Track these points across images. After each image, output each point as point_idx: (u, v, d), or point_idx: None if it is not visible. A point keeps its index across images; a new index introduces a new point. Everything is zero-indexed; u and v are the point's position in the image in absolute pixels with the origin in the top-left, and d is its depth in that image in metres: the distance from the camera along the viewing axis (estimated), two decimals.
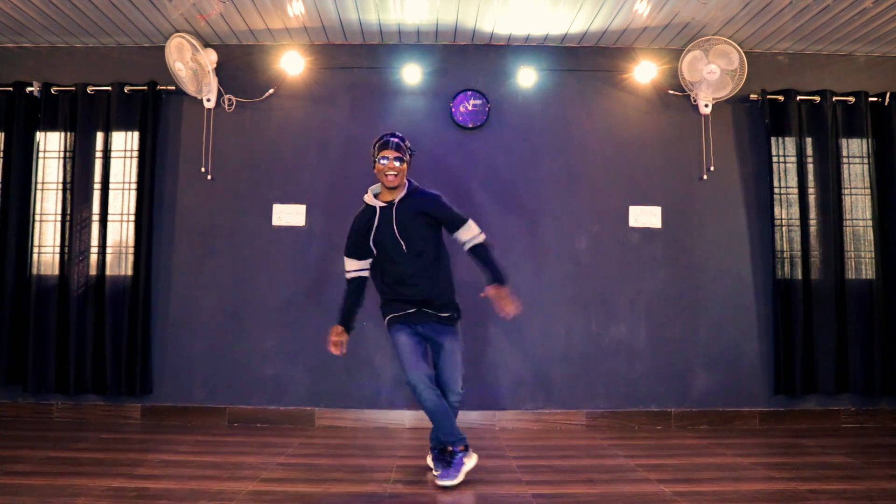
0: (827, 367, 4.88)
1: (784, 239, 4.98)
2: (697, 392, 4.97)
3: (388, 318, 3.59)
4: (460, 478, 3.36)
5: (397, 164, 3.44)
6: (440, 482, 3.34)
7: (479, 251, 3.55)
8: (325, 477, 3.48)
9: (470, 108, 5.05)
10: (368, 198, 3.59)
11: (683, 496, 3.14)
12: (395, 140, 3.49)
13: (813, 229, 4.97)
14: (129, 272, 4.90)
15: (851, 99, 5.03)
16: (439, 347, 3.56)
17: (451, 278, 3.67)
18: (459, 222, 3.55)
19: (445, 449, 3.46)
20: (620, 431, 4.79)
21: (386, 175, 3.45)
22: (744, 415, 4.95)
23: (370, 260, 3.63)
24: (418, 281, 3.51)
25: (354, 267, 3.66)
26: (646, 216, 5.05)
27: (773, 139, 5.04)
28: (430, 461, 3.64)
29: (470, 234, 3.54)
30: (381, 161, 3.45)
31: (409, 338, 3.49)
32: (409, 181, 3.59)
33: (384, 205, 3.51)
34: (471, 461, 3.47)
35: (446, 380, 3.52)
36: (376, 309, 4.84)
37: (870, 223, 5.01)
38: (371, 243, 3.52)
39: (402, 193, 3.52)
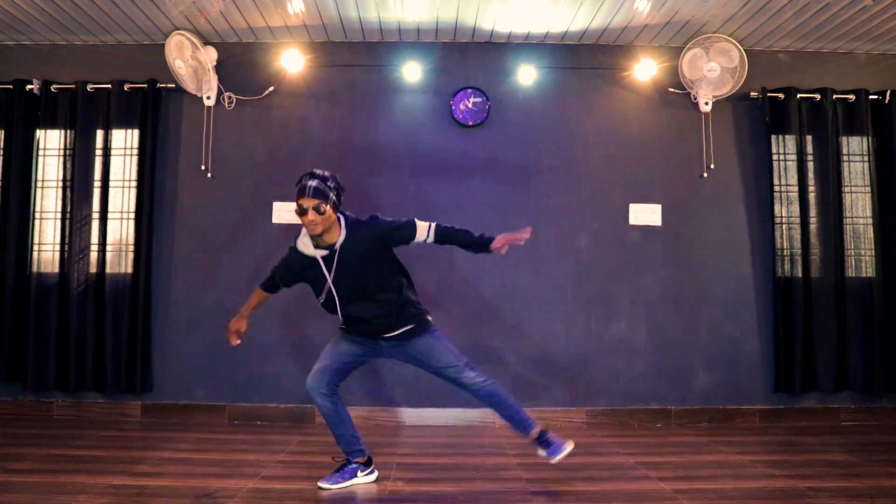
0: (827, 364, 4.88)
1: (784, 237, 4.98)
2: (697, 390, 4.97)
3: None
4: (342, 485, 3.29)
5: (317, 215, 3.08)
6: (320, 483, 3.30)
7: (443, 236, 3.24)
8: (324, 474, 3.47)
9: (470, 105, 5.05)
10: (303, 245, 3.25)
11: (683, 494, 3.15)
12: (313, 184, 3.09)
13: (813, 227, 4.97)
14: (130, 270, 4.90)
15: (852, 97, 5.03)
16: (414, 360, 3.38)
17: (413, 293, 3.39)
18: (410, 231, 3.22)
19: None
20: (620, 429, 4.79)
21: (308, 226, 3.13)
22: (744, 412, 4.95)
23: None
24: (383, 319, 3.28)
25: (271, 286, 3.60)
26: (646, 214, 5.05)
27: (773, 137, 5.04)
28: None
29: (423, 232, 3.22)
30: (300, 211, 3.11)
31: (341, 346, 3.38)
32: (342, 217, 3.24)
33: (325, 252, 3.20)
34: (367, 478, 3.38)
35: (447, 376, 3.34)
36: None
37: (870, 221, 5.01)
38: (324, 293, 3.26)
39: (340, 237, 3.19)
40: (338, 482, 3.29)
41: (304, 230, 3.24)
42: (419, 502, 3.05)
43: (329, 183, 3.13)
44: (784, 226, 4.98)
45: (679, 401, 4.96)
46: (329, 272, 3.20)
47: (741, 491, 3.22)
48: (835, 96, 5.02)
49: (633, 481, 3.39)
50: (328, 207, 3.09)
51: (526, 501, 3.06)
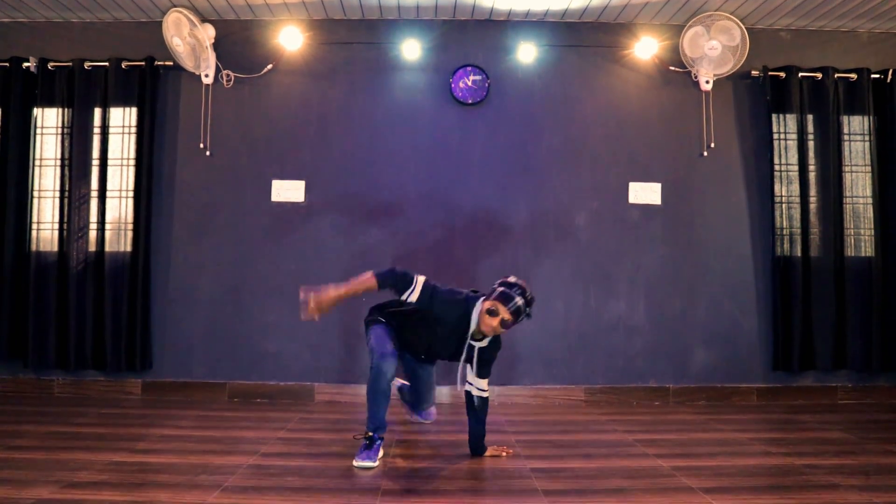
0: (825, 343, 4.90)
1: (784, 216, 4.98)
2: (696, 368, 4.99)
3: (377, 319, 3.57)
4: (376, 462, 3.28)
5: (500, 327, 3.17)
6: (357, 462, 3.25)
7: (478, 402, 3.40)
8: (324, 451, 3.51)
9: (470, 83, 5.02)
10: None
11: (681, 471, 3.17)
12: (520, 303, 3.15)
13: (813, 206, 4.96)
14: (129, 248, 4.90)
15: (853, 76, 5.01)
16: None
17: None
18: (485, 373, 3.39)
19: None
20: (619, 407, 4.82)
21: (486, 325, 3.18)
22: (742, 391, 4.98)
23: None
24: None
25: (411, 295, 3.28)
26: (646, 193, 5.04)
27: (774, 116, 5.01)
28: None
29: (482, 385, 3.38)
30: (491, 311, 3.15)
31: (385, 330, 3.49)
32: None
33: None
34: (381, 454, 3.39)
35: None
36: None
37: (870, 200, 5.00)
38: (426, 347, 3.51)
39: (485, 343, 3.36)
40: (374, 458, 3.27)
41: (480, 308, 3.23)
42: (417, 478, 3.07)
43: (528, 309, 3.21)
44: (784, 205, 4.98)
45: (677, 379, 4.98)
46: (461, 353, 3.38)
47: (738, 468, 3.24)
48: (836, 75, 4.99)
49: (632, 458, 3.41)
50: (511, 326, 3.21)
51: (524, 478, 3.08)
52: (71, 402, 4.73)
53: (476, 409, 3.41)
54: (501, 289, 3.19)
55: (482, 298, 3.25)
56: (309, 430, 4.03)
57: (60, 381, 4.95)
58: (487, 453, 3.45)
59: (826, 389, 4.99)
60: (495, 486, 2.98)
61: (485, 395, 3.41)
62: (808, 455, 3.46)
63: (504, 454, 3.46)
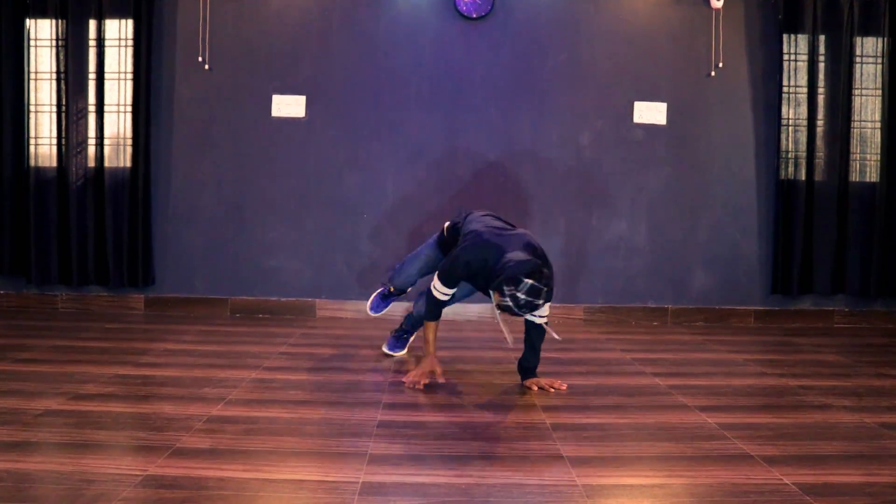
0: (824, 268, 4.91)
1: (790, 139, 4.92)
2: (695, 290, 5.02)
3: None
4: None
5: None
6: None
7: (529, 327, 3.32)
8: (326, 366, 3.56)
9: None
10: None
11: (677, 389, 3.22)
12: (522, 299, 2.79)
13: (820, 130, 4.89)
14: (128, 164, 4.86)
15: None
16: None
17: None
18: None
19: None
20: (617, 326, 4.87)
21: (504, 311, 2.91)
22: (739, 313, 5.02)
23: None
24: None
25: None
26: (651, 112, 4.96)
27: (785, 36, 4.89)
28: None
29: (540, 311, 3.12)
30: (502, 307, 2.89)
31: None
32: None
33: None
34: None
35: None
36: (374, 204, 4.88)
37: (878, 125, 4.92)
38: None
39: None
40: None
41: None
42: (417, 392, 3.12)
43: (545, 289, 2.86)
44: (790, 128, 4.91)
45: (676, 300, 5.02)
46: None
47: (733, 388, 3.29)
48: None
49: (629, 377, 3.47)
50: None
51: (523, 394, 3.14)
52: (75, 316, 4.78)
53: (529, 336, 3.29)
54: (511, 273, 2.79)
55: (501, 278, 2.83)
56: (311, 345, 4.08)
57: (64, 297, 4.99)
58: (528, 382, 3.24)
59: (823, 313, 5.04)
60: (495, 400, 3.03)
61: (538, 321, 3.21)
62: (802, 376, 3.52)
63: (551, 389, 3.18)
